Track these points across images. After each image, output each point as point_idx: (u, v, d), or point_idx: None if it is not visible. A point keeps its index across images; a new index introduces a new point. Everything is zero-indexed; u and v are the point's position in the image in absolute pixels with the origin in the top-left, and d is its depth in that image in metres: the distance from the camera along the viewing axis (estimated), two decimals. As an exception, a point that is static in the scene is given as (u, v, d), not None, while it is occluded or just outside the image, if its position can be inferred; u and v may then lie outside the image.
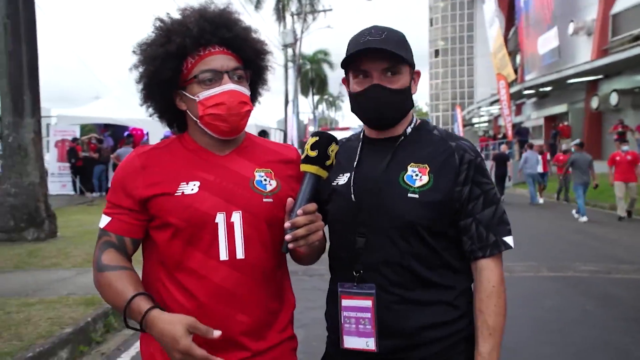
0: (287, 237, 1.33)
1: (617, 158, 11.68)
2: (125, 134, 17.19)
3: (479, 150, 10.13)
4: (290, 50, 33.45)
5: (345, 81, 1.60)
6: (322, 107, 65.68)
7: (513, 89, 28.08)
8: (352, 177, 1.53)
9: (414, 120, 1.59)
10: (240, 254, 1.42)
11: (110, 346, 4.45)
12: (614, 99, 21.29)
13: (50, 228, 8.42)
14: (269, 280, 1.48)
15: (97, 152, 16.43)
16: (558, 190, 16.55)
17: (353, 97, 1.54)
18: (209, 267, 1.40)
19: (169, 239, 1.42)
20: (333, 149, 1.42)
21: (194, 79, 1.44)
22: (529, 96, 30.39)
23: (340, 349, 1.51)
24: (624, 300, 5.79)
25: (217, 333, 1.26)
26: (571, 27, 24.39)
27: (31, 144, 8.26)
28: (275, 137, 21.76)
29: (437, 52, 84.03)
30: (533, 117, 31.18)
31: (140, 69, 1.50)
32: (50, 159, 15.84)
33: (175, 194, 1.42)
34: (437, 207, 1.45)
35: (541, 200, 16.43)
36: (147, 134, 16.32)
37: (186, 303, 1.40)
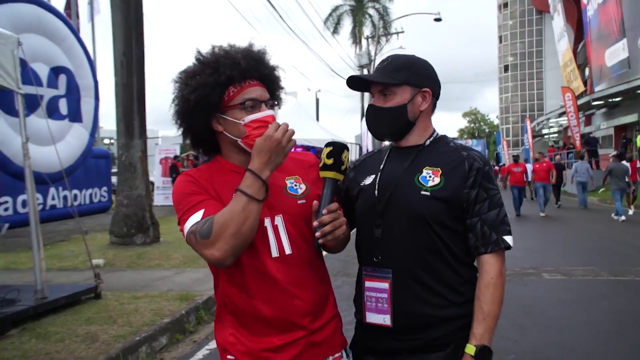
0: (317, 234, 1.46)
1: None
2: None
3: (550, 159, 10.10)
4: (365, 71, 33.65)
5: None
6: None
7: (582, 101, 26.68)
8: (378, 177, 1.65)
9: (435, 134, 1.70)
10: (287, 250, 1.53)
11: (200, 335, 4.77)
12: (686, 107, 19.72)
13: (154, 234, 9.04)
14: (314, 267, 1.59)
15: (194, 167, 17.36)
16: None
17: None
18: (265, 263, 1.51)
19: None
20: (345, 155, 1.54)
21: (239, 105, 1.54)
22: (599, 107, 28.69)
23: (364, 323, 1.62)
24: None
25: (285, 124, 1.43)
26: (641, 38, 22.86)
27: (139, 162, 8.95)
28: (356, 152, 21.92)
29: (506, 68, 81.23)
30: (603, 127, 29.39)
31: (188, 94, 1.54)
32: (156, 174, 16.91)
33: None
34: (445, 204, 1.54)
35: (631, 212, 14.07)
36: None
37: (248, 297, 1.52)
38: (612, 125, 27.85)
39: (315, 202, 1.52)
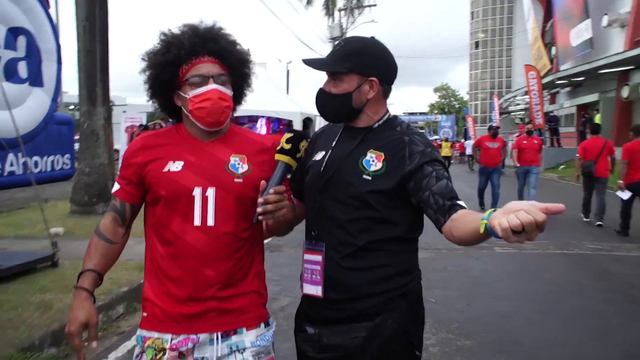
0: (259, 209, 1.51)
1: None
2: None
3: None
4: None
5: None
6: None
7: (547, 79, 27.15)
8: (327, 154, 1.71)
9: (385, 116, 1.73)
10: (210, 221, 1.59)
11: (158, 303, 4.83)
12: (644, 88, 20.34)
13: (117, 203, 8.96)
14: (233, 245, 1.63)
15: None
16: None
17: None
18: (185, 230, 1.59)
19: (158, 206, 1.63)
20: (303, 144, 1.62)
21: (186, 81, 1.63)
22: (563, 86, 29.29)
23: (304, 295, 1.71)
24: (617, 275, 5.80)
25: (94, 345, 1.58)
26: (605, 20, 23.22)
27: (102, 129, 8.81)
28: (320, 123, 21.90)
29: (477, 44, 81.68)
30: (566, 105, 30.10)
31: (147, 73, 1.68)
32: (123, 142, 16.58)
33: (163, 170, 1.62)
34: (385, 188, 1.58)
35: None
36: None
37: (167, 258, 1.61)
38: (575, 104, 28.53)
39: (263, 182, 1.56)
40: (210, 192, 1.61)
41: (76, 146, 14.44)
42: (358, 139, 1.67)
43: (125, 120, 16.65)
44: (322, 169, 1.68)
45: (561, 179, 18.98)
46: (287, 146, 1.59)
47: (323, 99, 1.70)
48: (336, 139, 1.74)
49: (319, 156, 1.73)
